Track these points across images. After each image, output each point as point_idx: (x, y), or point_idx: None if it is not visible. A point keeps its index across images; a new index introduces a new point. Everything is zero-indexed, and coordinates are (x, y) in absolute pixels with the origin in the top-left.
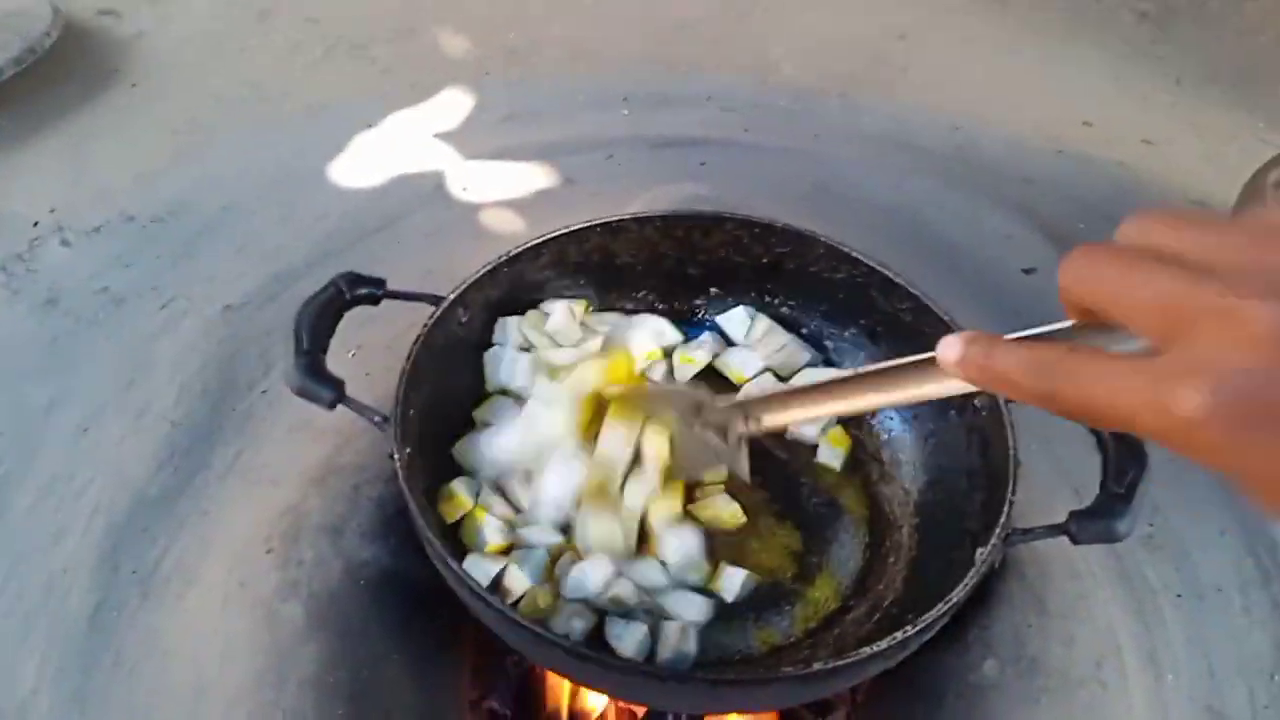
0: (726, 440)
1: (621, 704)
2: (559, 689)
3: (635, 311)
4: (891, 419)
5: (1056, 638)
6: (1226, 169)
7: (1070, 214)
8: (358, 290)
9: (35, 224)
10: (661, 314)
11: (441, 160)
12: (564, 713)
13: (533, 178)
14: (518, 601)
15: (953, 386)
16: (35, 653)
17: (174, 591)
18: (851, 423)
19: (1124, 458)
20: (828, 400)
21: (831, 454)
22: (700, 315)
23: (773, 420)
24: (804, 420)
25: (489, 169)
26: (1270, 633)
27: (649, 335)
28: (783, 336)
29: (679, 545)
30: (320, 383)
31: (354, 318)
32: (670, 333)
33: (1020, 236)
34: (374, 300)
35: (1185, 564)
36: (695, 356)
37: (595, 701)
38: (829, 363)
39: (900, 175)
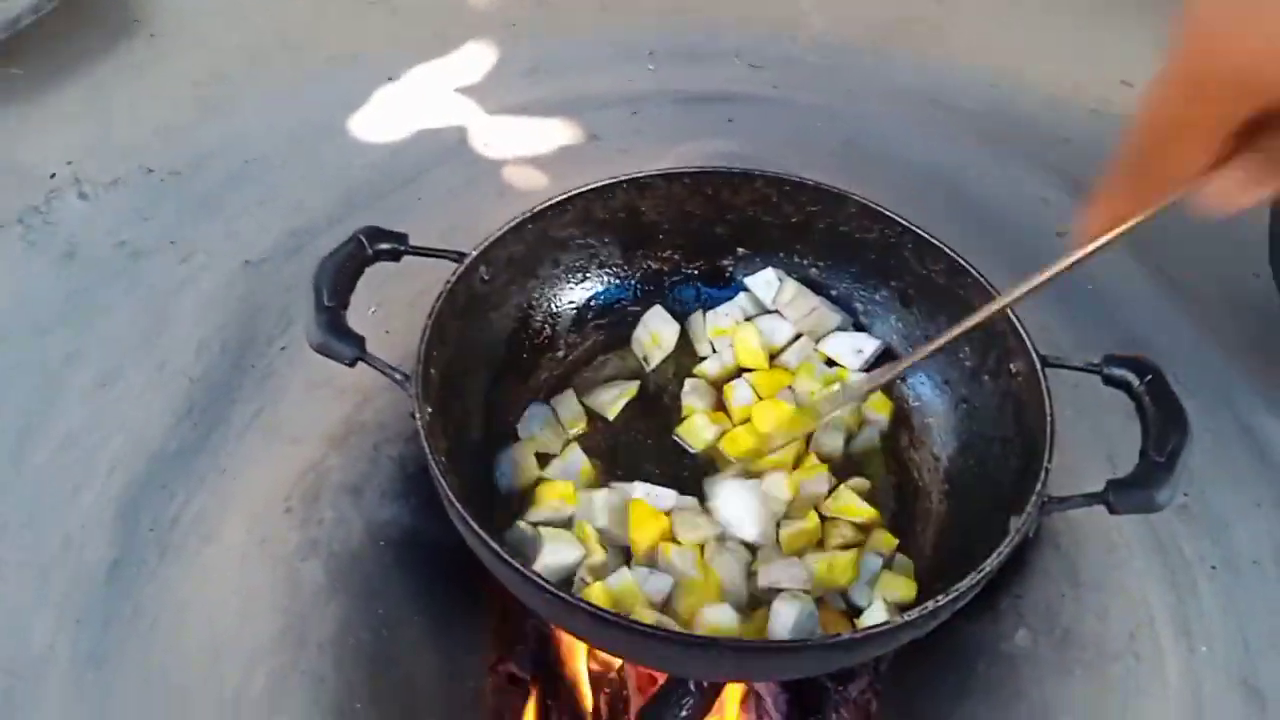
0: None
1: (642, 669)
2: (579, 654)
3: (660, 273)
4: (923, 384)
5: (1091, 609)
6: None
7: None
8: (379, 245)
9: (52, 176)
10: (688, 274)
11: (464, 115)
12: (583, 677)
13: (557, 133)
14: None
15: None
16: (52, 608)
17: (192, 549)
18: (883, 388)
19: (1165, 425)
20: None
21: (875, 418)
22: (728, 275)
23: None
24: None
25: (512, 124)
26: None
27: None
28: (812, 299)
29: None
30: (341, 339)
31: (374, 275)
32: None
33: (1056, 199)
34: (396, 256)
35: (1221, 536)
36: (724, 325)
37: (612, 663)
38: (859, 326)
39: (934, 134)
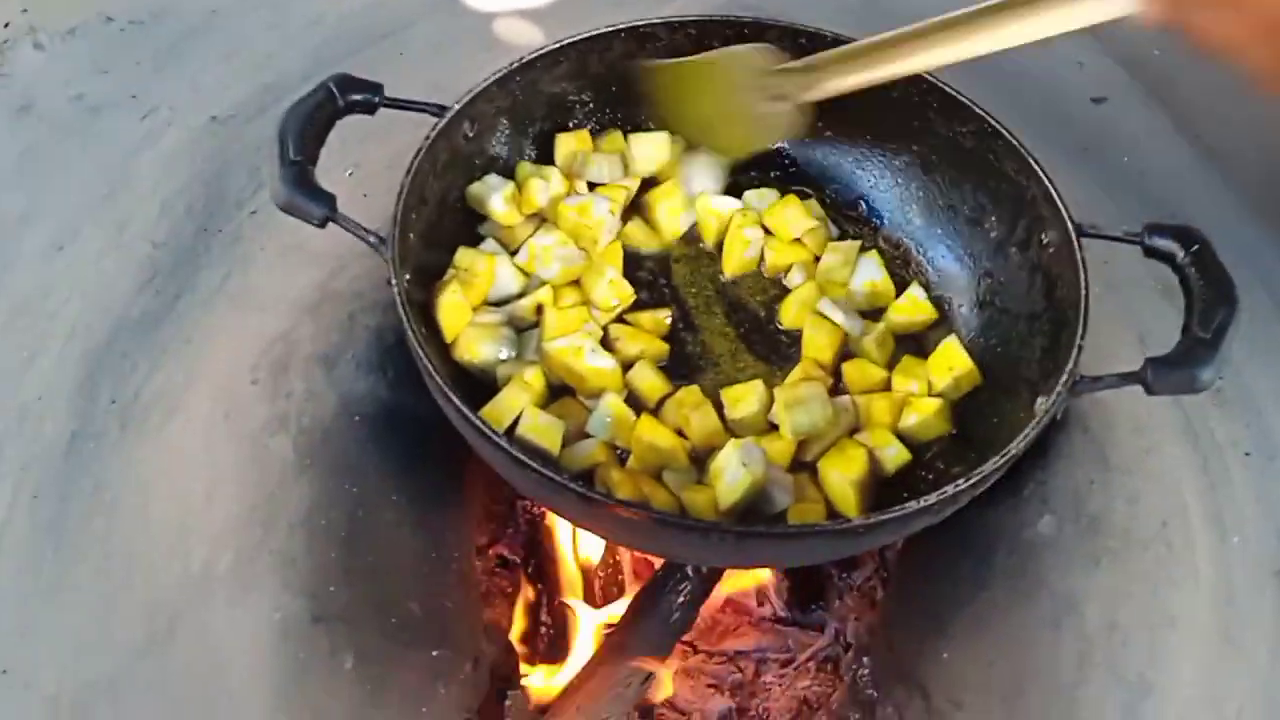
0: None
1: (639, 553)
2: (571, 535)
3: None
4: (944, 257)
5: (1120, 495)
6: None
7: (1145, 39)
8: (351, 95)
9: (5, 25)
10: None
11: None
12: (575, 559)
13: None
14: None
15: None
16: (7, 481)
17: (155, 423)
18: (897, 258)
19: (1211, 300)
20: (910, 52)
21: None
22: None
23: (842, 83)
24: (879, 79)
25: None
26: None
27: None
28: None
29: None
30: (309, 197)
31: (352, 132)
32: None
33: (1091, 63)
34: (370, 108)
35: (1256, 421)
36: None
37: (610, 549)
38: (869, 200)
39: None
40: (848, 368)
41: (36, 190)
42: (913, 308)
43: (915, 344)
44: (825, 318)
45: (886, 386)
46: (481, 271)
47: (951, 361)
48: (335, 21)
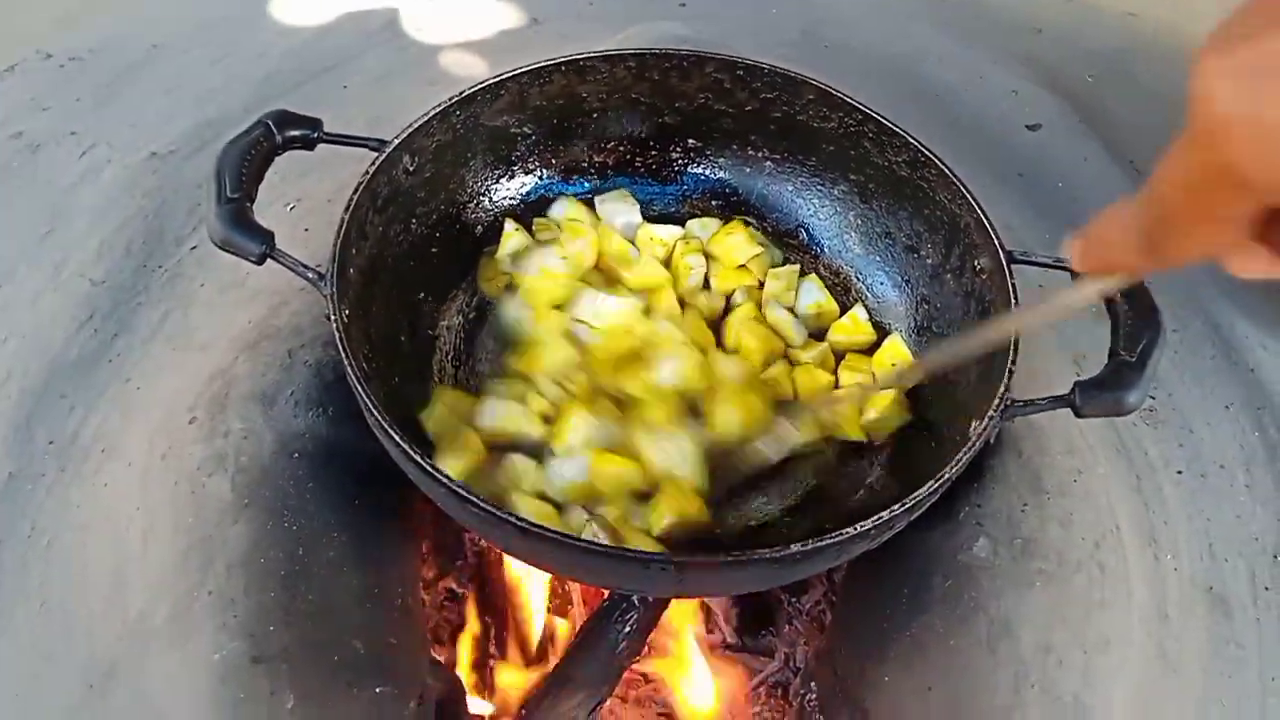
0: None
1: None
2: (518, 567)
3: (604, 166)
4: (882, 284)
5: (1053, 517)
6: None
7: (1079, 67)
8: (289, 131)
9: None
10: (633, 168)
11: None
12: (524, 592)
13: (495, 17)
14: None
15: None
16: None
17: (93, 464)
18: (838, 285)
19: (1136, 323)
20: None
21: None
22: (676, 169)
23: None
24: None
25: (446, 5)
26: (1274, 511)
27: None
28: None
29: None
30: (246, 234)
31: (292, 168)
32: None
33: (1026, 90)
34: (309, 144)
35: (1188, 440)
36: (664, 236)
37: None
38: (809, 230)
39: (898, 22)
40: (798, 373)
41: None
42: (854, 328)
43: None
44: (764, 325)
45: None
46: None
47: (895, 356)
48: (279, 55)
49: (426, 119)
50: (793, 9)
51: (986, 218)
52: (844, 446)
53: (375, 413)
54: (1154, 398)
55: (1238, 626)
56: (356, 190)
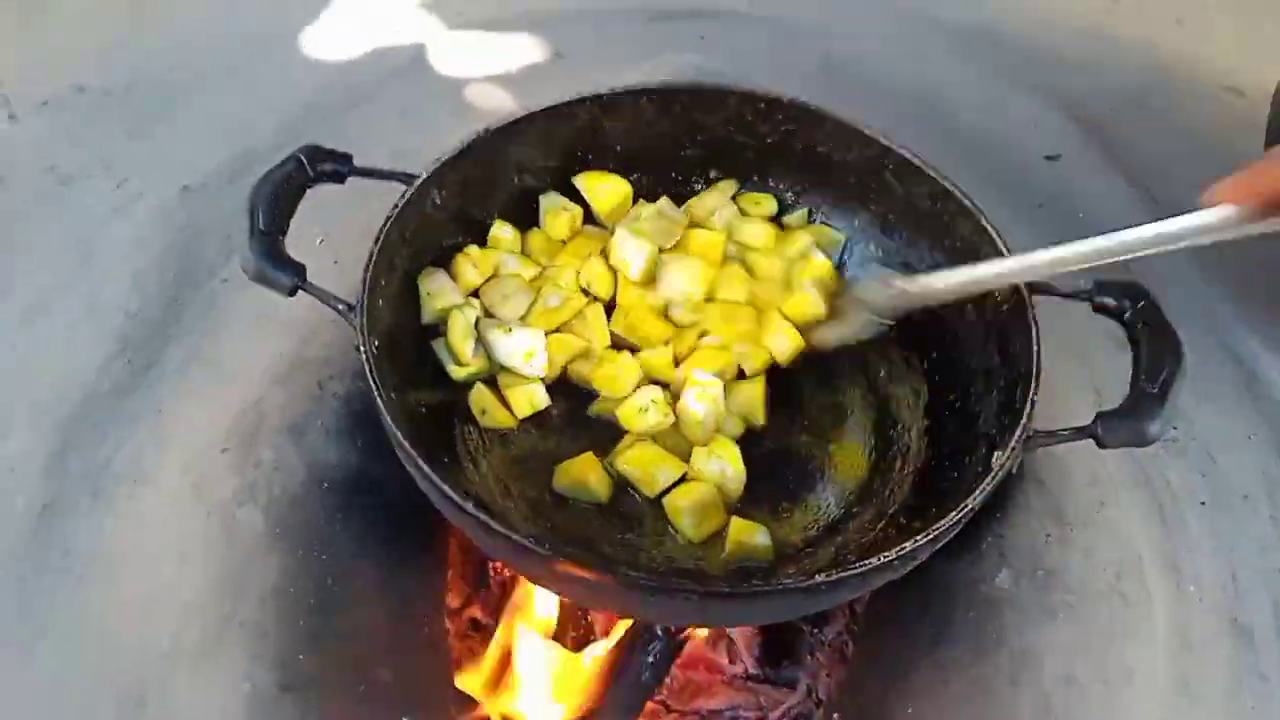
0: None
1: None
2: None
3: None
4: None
5: (1076, 548)
6: (1260, 49)
7: (1099, 97)
8: (321, 166)
9: None
10: (655, 199)
11: (423, 30)
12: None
13: (520, 50)
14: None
15: None
16: None
17: (125, 493)
18: None
19: (1158, 354)
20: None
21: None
22: None
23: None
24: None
25: (474, 40)
26: None
27: None
28: None
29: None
30: (278, 267)
31: (323, 201)
32: None
33: (1045, 121)
34: (340, 178)
35: (1211, 470)
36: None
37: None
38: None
39: (918, 53)
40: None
41: (7, 261)
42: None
43: None
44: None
45: None
46: None
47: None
48: (308, 89)
49: (453, 154)
50: (811, 40)
51: (1007, 249)
52: (868, 476)
53: (404, 445)
54: (1176, 428)
55: (1261, 657)
56: (386, 223)
